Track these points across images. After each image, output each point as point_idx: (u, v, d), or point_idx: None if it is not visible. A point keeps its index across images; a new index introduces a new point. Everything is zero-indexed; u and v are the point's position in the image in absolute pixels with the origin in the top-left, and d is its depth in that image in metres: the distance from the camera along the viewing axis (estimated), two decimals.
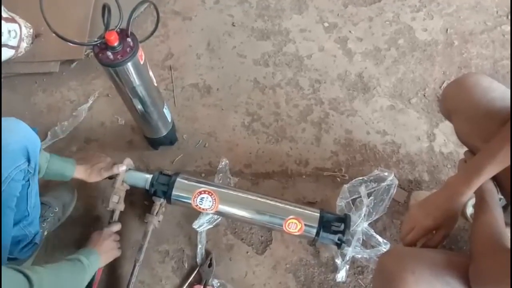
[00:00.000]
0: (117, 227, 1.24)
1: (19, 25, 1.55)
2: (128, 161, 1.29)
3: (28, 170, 0.97)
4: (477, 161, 0.87)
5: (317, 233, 1.17)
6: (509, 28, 1.70)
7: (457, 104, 0.98)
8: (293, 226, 1.17)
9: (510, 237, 0.81)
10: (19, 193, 0.98)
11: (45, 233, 1.27)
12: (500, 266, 0.71)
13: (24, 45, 1.58)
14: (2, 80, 1.59)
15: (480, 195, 0.90)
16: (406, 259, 0.83)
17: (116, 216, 1.25)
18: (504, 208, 1.00)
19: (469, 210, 1.28)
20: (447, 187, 0.91)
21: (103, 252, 1.14)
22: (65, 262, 1.01)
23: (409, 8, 1.78)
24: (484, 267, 0.75)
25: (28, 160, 0.96)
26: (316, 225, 1.17)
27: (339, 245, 1.17)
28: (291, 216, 1.18)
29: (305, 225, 1.17)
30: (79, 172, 1.17)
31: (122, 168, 1.25)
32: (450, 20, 1.74)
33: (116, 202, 1.23)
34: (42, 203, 1.18)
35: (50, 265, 0.93)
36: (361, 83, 1.61)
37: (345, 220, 1.18)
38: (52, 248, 1.31)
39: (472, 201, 1.29)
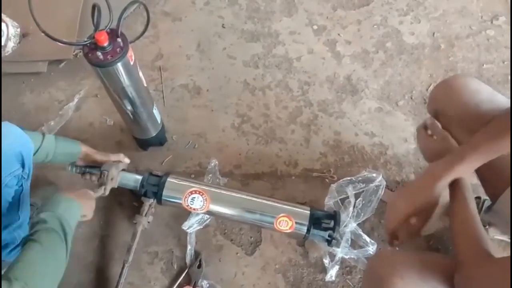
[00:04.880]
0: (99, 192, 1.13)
1: (6, 24, 1.53)
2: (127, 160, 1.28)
3: (21, 176, 0.96)
4: (460, 149, 0.87)
5: (308, 231, 1.18)
6: (493, 32, 1.74)
7: (444, 105, 1.00)
8: (284, 224, 1.18)
9: (491, 238, 0.82)
10: (12, 198, 0.97)
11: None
12: (487, 276, 0.71)
13: (11, 44, 1.56)
14: None
15: (455, 187, 0.88)
16: (395, 263, 0.83)
17: (100, 192, 1.15)
18: (489, 208, 1.01)
19: None
20: (427, 173, 0.90)
21: (82, 199, 1.02)
22: (34, 251, 0.83)
23: (397, 12, 1.81)
24: (471, 277, 0.75)
25: (22, 166, 0.94)
26: (306, 222, 1.18)
27: (329, 241, 1.19)
28: (281, 214, 1.19)
29: (295, 222, 1.18)
30: (86, 148, 1.18)
31: (127, 159, 1.26)
32: (437, 24, 1.78)
33: (112, 178, 1.17)
34: (30, 205, 1.17)
35: (22, 263, 0.81)
36: (349, 86, 1.63)
37: (335, 217, 1.20)
38: None
39: None
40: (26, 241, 0.86)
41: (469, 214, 0.84)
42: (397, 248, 0.97)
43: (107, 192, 1.17)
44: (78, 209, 0.98)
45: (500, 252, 1.28)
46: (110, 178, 1.16)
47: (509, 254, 1.22)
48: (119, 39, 1.00)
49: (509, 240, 1.25)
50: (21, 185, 0.99)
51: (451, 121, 0.98)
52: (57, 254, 0.87)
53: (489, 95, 0.94)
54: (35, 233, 0.87)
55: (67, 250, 0.89)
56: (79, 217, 0.99)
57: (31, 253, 0.83)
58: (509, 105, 0.89)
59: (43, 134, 1.04)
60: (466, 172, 0.86)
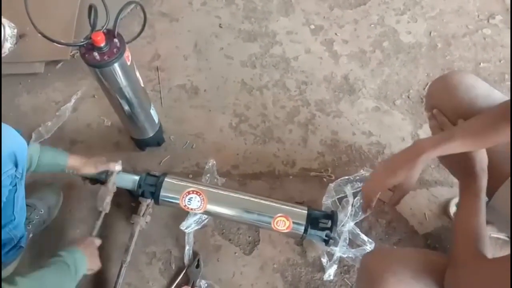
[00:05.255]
0: (98, 241, 1.20)
1: (3, 25, 1.53)
2: (119, 163, 1.27)
3: (15, 175, 0.96)
4: (452, 130, 0.88)
5: (305, 230, 1.18)
6: (490, 31, 1.74)
7: (441, 100, 1.00)
8: (281, 224, 1.18)
9: (489, 241, 0.82)
10: (6, 198, 0.97)
11: (30, 235, 1.25)
12: (475, 275, 0.72)
13: (8, 45, 1.55)
14: None
15: (469, 189, 0.89)
16: (389, 259, 0.84)
17: (101, 218, 1.21)
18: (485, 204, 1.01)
19: (452, 210, 1.31)
20: (413, 145, 0.90)
21: (87, 255, 1.10)
22: (47, 270, 0.95)
23: (394, 11, 1.82)
24: (460, 275, 0.75)
25: (16, 165, 0.94)
26: (304, 222, 1.18)
27: (326, 241, 1.19)
28: (279, 214, 1.19)
29: (293, 222, 1.18)
30: (74, 161, 1.15)
31: (118, 167, 1.22)
32: (434, 23, 1.78)
33: (109, 202, 1.20)
34: (27, 205, 1.17)
35: (34, 274, 0.90)
36: (347, 85, 1.63)
37: (332, 217, 1.20)
38: (37, 251, 1.30)
39: (455, 201, 1.32)
40: (41, 267, 0.94)
41: (474, 214, 0.85)
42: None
43: (107, 210, 1.21)
44: (86, 264, 1.07)
45: (497, 251, 1.28)
46: (105, 207, 1.20)
47: (506, 253, 1.23)
48: (116, 40, 1.00)
49: (507, 238, 1.25)
50: (15, 185, 0.99)
51: (448, 117, 0.98)
52: (65, 281, 0.97)
53: (485, 91, 0.95)
54: (50, 263, 0.97)
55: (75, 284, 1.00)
56: (86, 270, 1.08)
57: (42, 271, 0.92)
58: (503, 100, 0.89)
59: (27, 142, 1.03)
60: (450, 152, 0.86)
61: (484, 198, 0.88)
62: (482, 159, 0.91)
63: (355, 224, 1.27)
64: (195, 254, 1.30)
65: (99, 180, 1.22)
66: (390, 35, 1.75)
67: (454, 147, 0.85)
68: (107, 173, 1.21)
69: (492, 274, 0.68)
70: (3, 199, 0.96)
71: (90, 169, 1.18)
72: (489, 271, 0.70)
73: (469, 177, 0.90)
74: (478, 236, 0.81)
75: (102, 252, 1.30)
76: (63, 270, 0.98)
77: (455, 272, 0.76)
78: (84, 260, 1.06)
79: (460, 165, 0.92)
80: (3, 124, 0.92)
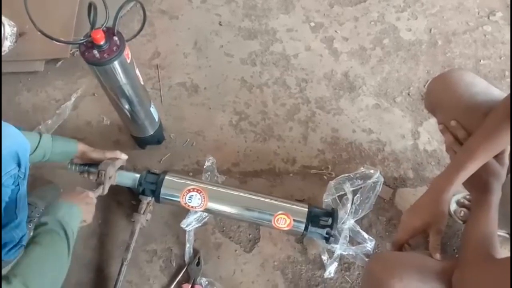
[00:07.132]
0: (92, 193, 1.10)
1: (3, 23, 1.52)
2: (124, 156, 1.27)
3: (18, 175, 0.96)
4: (457, 158, 0.91)
5: (306, 228, 1.18)
6: (490, 28, 1.74)
7: (440, 98, 1.01)
8: (282, 222, 1.19)
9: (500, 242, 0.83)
10: (8, 197, 0.97)
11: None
12: (483, 277, 0.72)
13: (8, 44, 1.55)
14: None
15: (484, 203, 0.90)
16: (394, 265, 0.83)
17: (98, 191, 1.14)
18: None
19: (453, 207, 1.31)
20: (430, 187, 0.93)
21: (80, 206, 0.99)
22: (35, 254, 0.84)
23: (394, 8, 1.81)
24: (468, 277, 0.75)
25: (19, 165, 0.94)
26: (304, 220, 1.18)
27: (327, 239, 1.19)
28: (279, 212, 1.19)
29: (293, 220, 1.18)
30: (83, 147, 1.17)
31: (125, 155, 1.24)
32: (434, 20, 1.78)
33: (109, 176, 1.16)
34: (28, 204, 1.17)
35: (24, 261, 0.81)
36: (347, 82, 1.63)
37: (332, 214, 1.20)
38: None
39: (456, 198, 1.32)
40: (28, 244, 0.87)
41: (485, 223, 0.86)
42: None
43: (105, 191, 1.16)
44: (79, 213, 0.98)
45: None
46: (107, 177, 1.15)
47: (506, 249, 1.23)
48: (115, 38, 1.00)
49: (507, 235, 1.26)
50: (18, 184, 0.99)
51: (447, 114, 0.99)
52: (58, 253, 0.88)
53: (484, 88, 0.95)
54: (36, 236, 0.87)
55: (69, 250, 0.90)
56: (80, 221, 0.99)
57: (31, 253, 0.84)
58: (503, 97, 0.89)
59: (40, 134, 1.04)
60: (467, 177, 0.89)
61: (497, 208, 0.89)
62: (501, 176, 0.93)
63: (356, 221, 1.28)
64: (195, 251, 1.30)
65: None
66: (390, 32, 1.75)
67: (470, 171, 0.87)
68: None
69: (500, 274, 0.68)
70: (6, 198, 0.96)
71: (98, 154, 1.19)
72: (496, 272, 0.70)
73: (485, 193, 0.91)
74: (488, 241, 0.82)
75: (103, 249, 1.31)
76: (53, 243, 0.87)
77: (464, 274, 0.76)
78: (75, 213, 0.95)
79: (475, 182, 0.93)
80: (5, 124, 0.92)
